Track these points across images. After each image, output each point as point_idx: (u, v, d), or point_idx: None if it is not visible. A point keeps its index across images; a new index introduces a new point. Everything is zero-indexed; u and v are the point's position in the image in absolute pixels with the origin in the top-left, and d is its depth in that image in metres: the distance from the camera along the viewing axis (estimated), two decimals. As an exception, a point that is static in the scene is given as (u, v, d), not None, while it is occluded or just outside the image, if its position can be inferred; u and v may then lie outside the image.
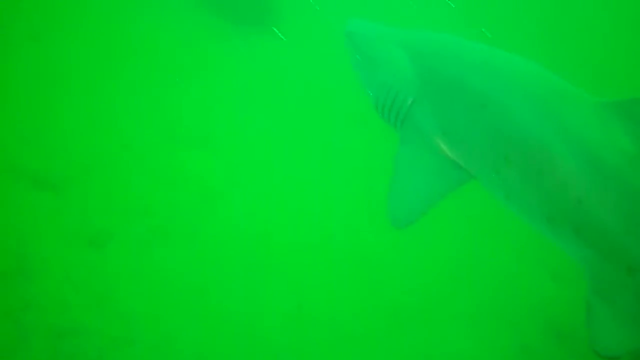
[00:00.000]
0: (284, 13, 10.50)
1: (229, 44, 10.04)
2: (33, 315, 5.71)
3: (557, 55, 7.78)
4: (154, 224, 6.89)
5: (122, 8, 9.45)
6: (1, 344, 5.40)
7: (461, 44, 3.24)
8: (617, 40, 10.69)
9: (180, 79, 8.76)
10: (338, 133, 8.84)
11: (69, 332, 5.71)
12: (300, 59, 9.87)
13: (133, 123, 7.94)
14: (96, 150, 7.46)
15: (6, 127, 7.12)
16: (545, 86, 2.91)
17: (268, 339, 6.18)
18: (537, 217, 2.86)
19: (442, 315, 6.76)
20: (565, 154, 2.70)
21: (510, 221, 3.49)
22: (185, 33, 9.83)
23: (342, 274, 6.96)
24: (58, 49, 8.35)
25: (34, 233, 6.41)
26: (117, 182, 7.20)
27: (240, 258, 6.88)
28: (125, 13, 9.43)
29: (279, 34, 9.84)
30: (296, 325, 6.37)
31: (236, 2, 10.23)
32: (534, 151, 2.78)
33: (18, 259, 6.11)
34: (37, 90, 7.69)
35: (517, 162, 2.84)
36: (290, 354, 6.11)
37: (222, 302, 6.36)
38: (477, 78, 2.99)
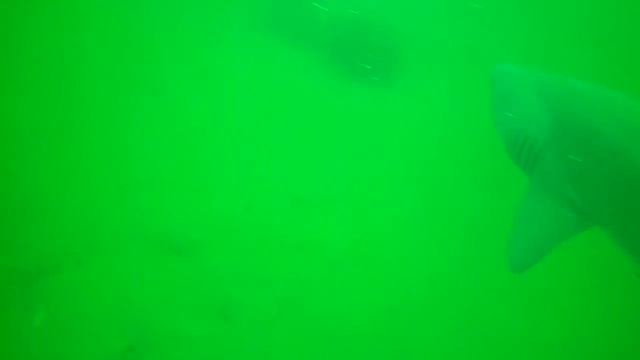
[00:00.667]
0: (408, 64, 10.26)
1: (353, 96, 9.83)
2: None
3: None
4: (282, 295, 6.46)
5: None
6: None
7: (598, 91, 3.19)
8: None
9: (304, 135, 8.53)
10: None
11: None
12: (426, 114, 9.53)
13: (257, 183, 7.63)
14: (221, 213, 7.15)
15: (133, 190, 6.91)
16: None
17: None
18: None
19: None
20: None
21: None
22: (312, 85, 9.74)
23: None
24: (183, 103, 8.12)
25: (159, 301, 6.09)
26: (242, 247, 6.83)
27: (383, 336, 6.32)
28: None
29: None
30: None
31: (358, 51, 10.09)
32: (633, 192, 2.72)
33: (140, 330, 5.79)
34: (163, 148, 7.50)
35: (631, 209, 2.81)
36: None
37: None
38: (608, 126, 2.95)
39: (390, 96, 9.99)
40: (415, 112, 9.69)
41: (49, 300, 5.71)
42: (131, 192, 6.96)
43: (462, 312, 6.80)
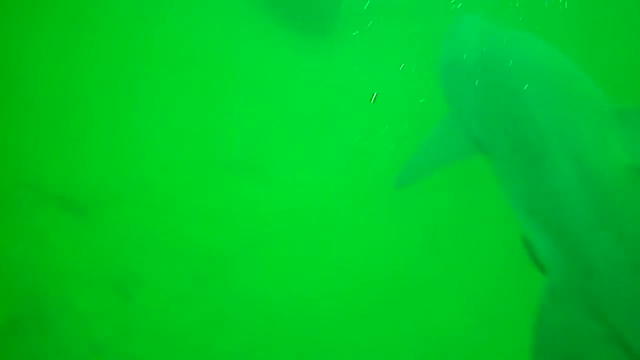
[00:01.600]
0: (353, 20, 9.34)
1: (291, 56, 8.98)
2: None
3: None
4: (197, 271, 5.76)
5: (161, 14, 8.38)
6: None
7: (520, 41, 3.50)
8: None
9: (233, 95, 7.73)
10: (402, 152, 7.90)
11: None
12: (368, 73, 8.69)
13: (175, 143, 6.84)
14: (131, 170, 6.36)
15: (31, 142, 6.08)
16: (569, 89, 3.10)
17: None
18: (520, 205, 2.98)
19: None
20: (558, 153, 2.81)
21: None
22: (240, 42, 8.74)
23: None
24: (87, 56, 7.30)
25: (53, 269, 5.34)
26: (150, 212, 6.07)
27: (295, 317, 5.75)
28: (168, 18, 8.36)
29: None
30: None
31: (300, 9, 9.24)
32: (534, 144, 2.91)
33: (33, 302, 5.13)
34: (66, 104, 6.66)
35: (519, 149, 3.01)
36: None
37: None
38: (513, 71, 3.21)
39: (334, 52, 9.15)
40: (365, 71, 8.79)
41: None
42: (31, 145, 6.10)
43: (397, 289, 6.45)
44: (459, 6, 7.31)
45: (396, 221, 6.90)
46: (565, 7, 9.24)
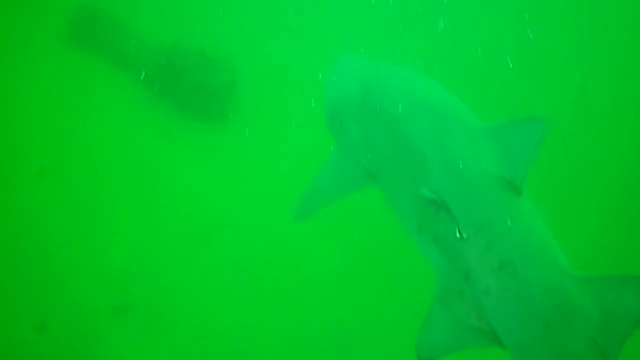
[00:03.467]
0: (242, 105, 9.42)
1: (182, 141, 8.80)
2: None
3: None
4: None
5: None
6: None
7: (395, 74, 3.79)
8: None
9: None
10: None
11: None
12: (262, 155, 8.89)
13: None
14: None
15: None
16: (442, 112, 3.35)
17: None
18: (411, 225, 3.18)
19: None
20: (438, 170, 3.06)
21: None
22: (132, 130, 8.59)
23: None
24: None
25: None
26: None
27: None
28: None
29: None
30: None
31: (190, 97, 9.03)
32: (414, 164, 3.17)
33: None
34: None
35: (402, 172, 3.25)
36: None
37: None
38: (391, 100, 3.45)
39: (229, 135, 9.03)
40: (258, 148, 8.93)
41: None
42: None
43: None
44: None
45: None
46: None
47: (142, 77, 9.06)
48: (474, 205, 2.87)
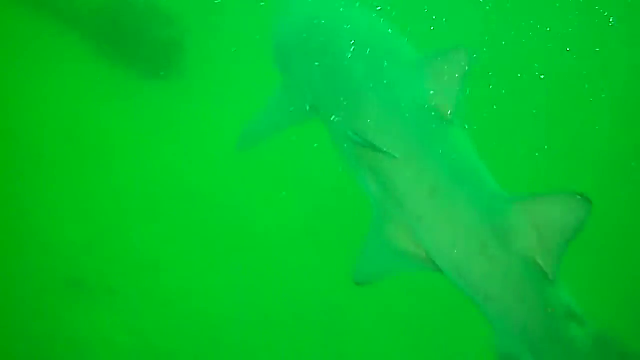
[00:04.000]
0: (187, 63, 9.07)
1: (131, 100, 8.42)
2: None
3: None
4: None
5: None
6: None
7: (337, 8, 3.78)
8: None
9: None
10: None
11: None
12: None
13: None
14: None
15: None
16: (380, 43, 3.47)
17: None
18: (350, 157, 3.24)
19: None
20: (373, 99, 3.14)
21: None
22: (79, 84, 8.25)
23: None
24: None
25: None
26: None
27: None
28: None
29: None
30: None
31: (138, 54, 8.63)
32: (352, 97, 3.24)
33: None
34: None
35: (342, 105, 3.28)
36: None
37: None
38: (332, 34, 3.55)
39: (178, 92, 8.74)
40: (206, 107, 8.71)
41: None
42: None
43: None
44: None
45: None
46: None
47: (86, 34, 8.59)
48: (405, 134, 2.95)
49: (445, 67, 3.00)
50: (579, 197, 2.45)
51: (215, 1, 9.09)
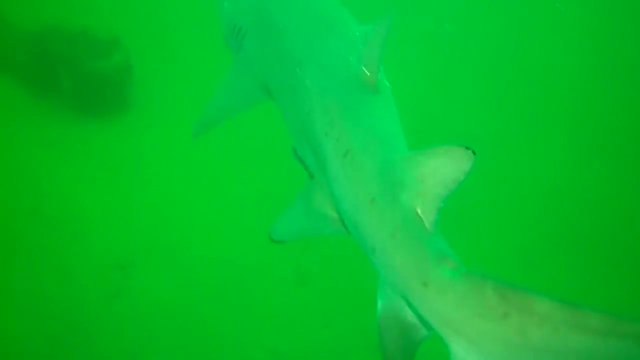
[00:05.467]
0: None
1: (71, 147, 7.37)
2: None
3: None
4: None
5: None
6: None
7: None
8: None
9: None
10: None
11: None
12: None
13: None
14: None
15: None
16: (323, 19, 3.50)
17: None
18: (295, 131, 3.33)
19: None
20: (314, 74, 3.19)
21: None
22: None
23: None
24: None
25: None
26: None
27: None
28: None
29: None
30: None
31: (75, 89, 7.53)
32: (295, 72, 3.28)
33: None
34: None
35: (286, 82, 3.39)
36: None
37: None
38: (278, 12, 3.61)
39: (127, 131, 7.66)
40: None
41: None
42: None
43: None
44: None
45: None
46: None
47: (11, 72, 7.49)
48: (333, 102, 3.04)
49: (371, 33, 3.09)
50: (462, 147, 2.57)
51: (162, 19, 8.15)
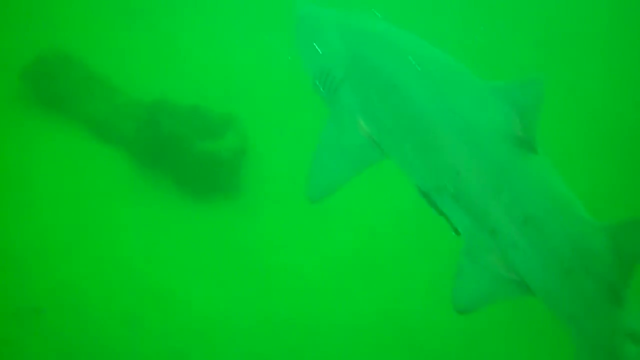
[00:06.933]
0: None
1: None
2: None
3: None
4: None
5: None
6: None
7: (384, 29, 3.60)
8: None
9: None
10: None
11: None
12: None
13: None
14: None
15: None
16: (442, 71, 3.33)
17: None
18: (428, 186, 3.21)
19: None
20: (449, 132, 3.07)
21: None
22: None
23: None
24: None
25: None
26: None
27: None
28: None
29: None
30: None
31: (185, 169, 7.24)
32: (424, 129, 3.15)
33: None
34: None
35: (413, 138, 3.22)
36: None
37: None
38: (388, 62, 3.38)
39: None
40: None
41: None
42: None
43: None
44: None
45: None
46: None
47: (120, 145, 7.30)
48: (491, 165, 2.96)
49: (527, 95, 3.01)
50: None
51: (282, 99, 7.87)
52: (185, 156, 6.99)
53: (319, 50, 3.70)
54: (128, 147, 7.35)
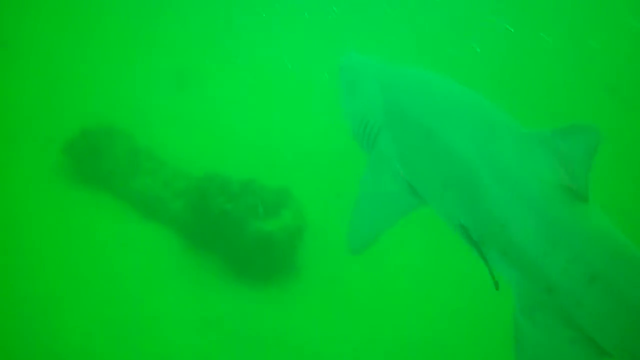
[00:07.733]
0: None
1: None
2: None
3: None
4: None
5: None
6: None
7: (421, 77, 3.58)
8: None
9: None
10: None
11: None
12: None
13: None
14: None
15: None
16: (483, 118, 3.19)
17: None
18: (472, 240, 3.09)
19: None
20: (492, 182, 2.94)
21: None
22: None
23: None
24: None
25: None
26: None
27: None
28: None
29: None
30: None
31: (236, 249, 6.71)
32: (466, 178, 3.03)
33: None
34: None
35: (453, 187, 3.09)
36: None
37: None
38: (425, 109, 3.32)
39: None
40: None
41: None
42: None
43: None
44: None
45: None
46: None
47: (167, 222, 6.90)
48: (543, 217, 2.76)
49: (577, 145, 2.75)
50: None
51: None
52: (238, 236, 6.50)
53: (358, 99, 3.72)
54: (175, 225, 6.96)
